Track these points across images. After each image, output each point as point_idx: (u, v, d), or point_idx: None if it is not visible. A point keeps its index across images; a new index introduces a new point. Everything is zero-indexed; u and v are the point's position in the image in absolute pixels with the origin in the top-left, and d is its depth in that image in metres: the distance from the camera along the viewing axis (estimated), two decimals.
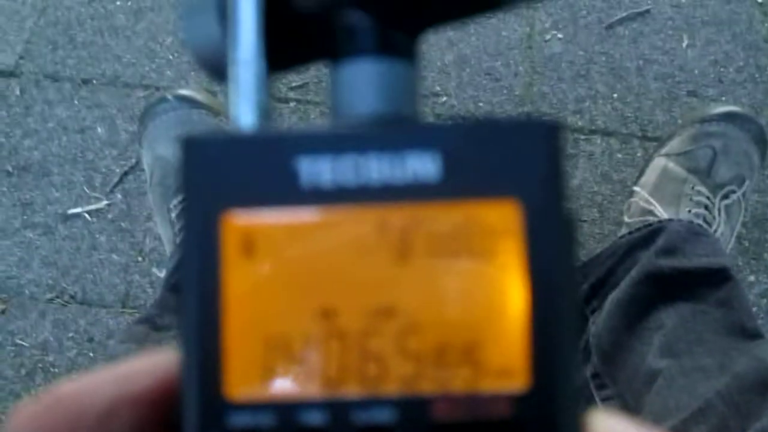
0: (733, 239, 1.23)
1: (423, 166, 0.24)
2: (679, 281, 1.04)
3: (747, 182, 1.22)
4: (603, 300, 1.10)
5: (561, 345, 0.23)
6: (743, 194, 1.21)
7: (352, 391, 0.23)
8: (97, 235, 1.37)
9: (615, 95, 1.42)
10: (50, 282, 1.35)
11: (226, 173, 0.24)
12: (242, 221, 0.24)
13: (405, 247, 0.24)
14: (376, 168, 0.24)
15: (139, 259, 1.36)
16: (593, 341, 1.08)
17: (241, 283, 0.24)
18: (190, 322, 0.24)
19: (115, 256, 1.36)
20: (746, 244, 1.31)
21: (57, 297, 1.33)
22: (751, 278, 1.29)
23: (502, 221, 0.24)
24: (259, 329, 0.24)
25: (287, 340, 0.24)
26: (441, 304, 0.24)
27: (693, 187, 1.18)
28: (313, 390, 0.23)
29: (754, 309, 1.24)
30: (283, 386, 0.23)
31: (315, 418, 0.23)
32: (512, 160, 0.24)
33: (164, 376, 0.24)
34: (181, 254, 0.24)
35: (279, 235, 0.24)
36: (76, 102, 1.47)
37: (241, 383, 0.23)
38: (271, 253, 0.24)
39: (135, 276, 1.35)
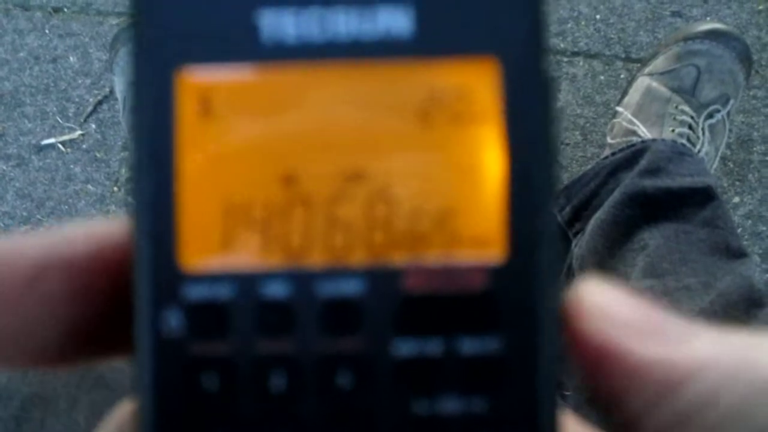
0: (718, 159, 1.22)
1: (395, 20, 0.22)
2: (663, 201, 1.03)
3: (731, 101, 1.21)
4: (586, 222, 1.09)
5: (539, 214, 0.22)
6: (728, 114, 1.20)
7: (317, 262, 0.22)
8: (72, 166, 1.35)
9: (598, 16, 1.40)
10: (25, 214, 1.33)
11: (181, 26, 0.22)
12: (199, 79, 0.22)
13: (375, 109, 0.22)
14: (344, 22, 0.22)
15: (115, 189, 1.34)
16: (576, 263, 1.07)
17: (198, 147, 0.22)
18: (141, 189, 0.22)
19: (90, 187, 1.34)
20: (731, 165, 1.30)
21: (32, 229, 1.31)
22: (736, 199, 1.28)
23: (478, 80, 0.22)
24: (217, 196, 0.22)
25: (247, 208, 0.22)
26: (413, 169, 0.22)
27: (677, 107, 1.17)
28: (275, 261, 0.22)
29: (739, 230, 1.24)
30: (242, 257, 0.22)
31: (277, 290, 0.22)
32: (490, 14, 0.22)
33: (102, 244, 0.22)
34: (131, 116, 0.22)
35: (238, 94, 0.22)
36: (47, 31, 1.44)
37: (197, 253, 0.22)
38: (229, 113, 0.22)
39: (111, 206, 1.33)
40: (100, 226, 0.23)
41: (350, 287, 0.22)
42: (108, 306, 0.23)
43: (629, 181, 1.06)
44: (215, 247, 0.22)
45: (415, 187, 0.22)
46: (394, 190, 0.22)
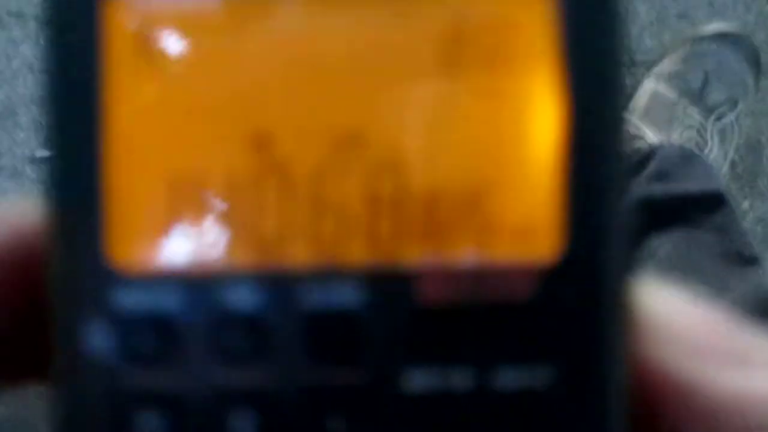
0: (727, 164, 1.20)
1: None
2: (672, 207, 1.01)
3: (740, 105, 1.19)
4: None
5: (608, 194, 0.16)
6: (736, 117, 1.19)
7: (299, 260, 0.16)
8: None
9: None
10: None
11: None
12: (134, 11, 0.16)
13: (379, 46, 0.16)
14: None
15: None
16: None
17: (133, 101, 0.16)
18: (58, 160, 0.16)
19: None
20: (739, 170, 1.27)
21: None
22: (746, 205, 1.26)
23: (527, 11, 0.16)
24: (161, 167, 0.16)
25: (202, 183, 0.16)
26: (431, 131, 0.16)
27: (684, 111, 1.15)
28: (241, 258, 0.16)
29: (750, 236, 1.21)
30: (196, 252, 0.16)
31: (243, 299, 0.16)
32: None
33: (18, 232, 0.17)
34: (46, 65, 0.16)
35: (189, 26, 0.16)
36: (41, 41, 1.42)
37: (132, 246, 0.16)
38: (177, 55, 0.16)
39: None
40: (14, 208, 0.17)
41: (345, 296, 0.16)
42: (24, 314, 0.17)
43: (637, 187, 1.04)
44: (158, 238, 0.16)
45: (435, 156, 0.16)
46: (405, 161, 0.16)
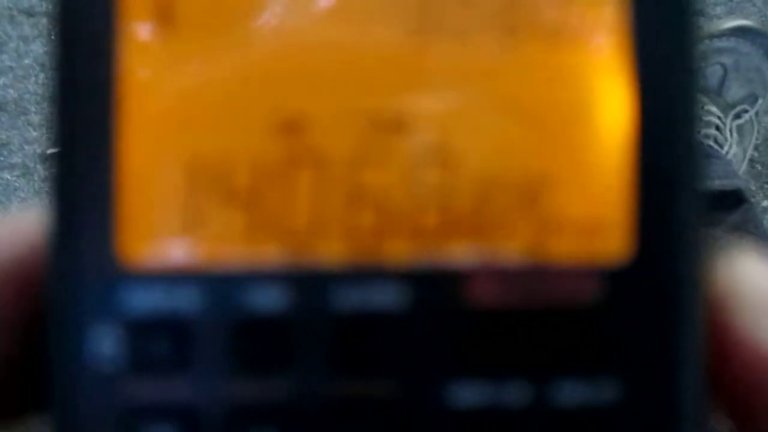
0: (746, 162, 1.19)
1: None
2: None
3: (760, 101, 1.18)
4: None
5: (685, 186, 0.14)
6: (756, 114, 1.18)
7: (332, 256, 0.14)
8: None
9: None
10: None
11: None
12: None
13: (425, 19, 0.14)
14: None
15: None
16: None
17: (150, 80, 0.14)
18: (63, 144, 0.14)
19: None
20: (759, 167, 1.26)
21: None
22: (765, 203, 1.24)
23: None
24: (178, 152, 0.14)
25: (225, 171, 0.14)
26: (483, 113, 0.14)
27: (703, 107, 1.13)
28: (267, 254, 0.14)
29: None
30: (216, 246, 0.14)
31: (269, 300, 0.14)
32: None
33: (27, 245, 0.15)
34: (55, 35, 0.15)
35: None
36: (53, 37, 1.41)
37: (145, 240, 0.14)
38: (200, 24, 0.14)
39: None
40: (22, 219, 0.15)
41: (384, 298, 0.14)
42: (24, 335, 0.15)
43: None
44: (174, 232, 0.14)
45: (487, 142, 0.14)
46: (452, 147, 0.14)
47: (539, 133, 0.14)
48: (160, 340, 0.14)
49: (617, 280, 0.14)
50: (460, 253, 0.14)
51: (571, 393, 0.14)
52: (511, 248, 0.14)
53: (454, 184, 0.14)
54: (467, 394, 0.14)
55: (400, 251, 0.14)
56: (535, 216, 0.14)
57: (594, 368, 0.14)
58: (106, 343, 0.14)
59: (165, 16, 0.14)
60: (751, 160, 1.23)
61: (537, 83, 0.14)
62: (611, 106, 0.14)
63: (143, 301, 0.14)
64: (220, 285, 0.14)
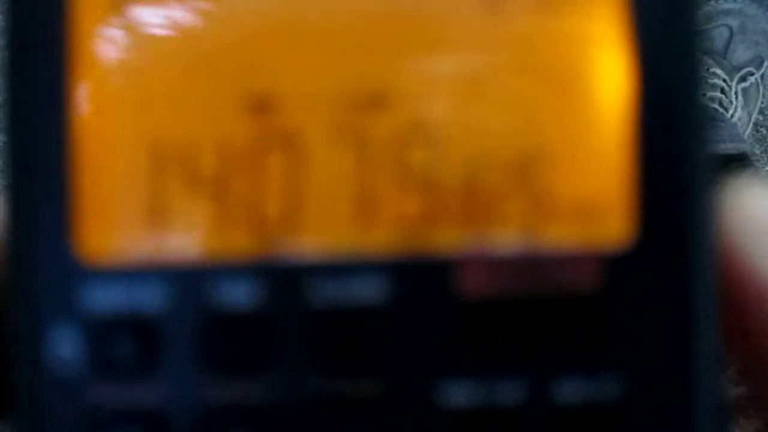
0: (751, 125, 1.18)
1: None
2: None
3: (766, 64, 1.18)
4: None
5: (692, 161, 0.13)
6: (761, 77, 1.16)
7: (308, 247, 0.13)
8: None
9: None
10: None
11: None
12: None
13: None
14: None
15: None
16: None
17: (104, 59, 0.13)
18: (15, 133, 0.13)
19: None
20: (763, 131, 1.24)
21: None
22: None
23: None
24: (138, 136, 0.13)
25: (190, 155, 0.13)
26: (470, 86, 0.13)
27: (708, 69, 1.13)
28: (238, 245, 0.13)
29: None
30: (182, 238, 0.13)
31: (242, 294, 0.13)
32: None
33: None
34: (5, 22, 0.13)
35: None
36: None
37: (104, 234, 0.13)
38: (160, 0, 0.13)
39: None
40: None
41: (365, 290, 0.13)
42: None
43: None
44: (136, 223, 0.13)
45: (475, 118, 0.13)
46: (438, 124, 0.13)
47: (531, 107, 0.13)
48: (125, 341, 0.13)
49: (620, 267, 0.13)
50: (448, 240, 0.13)
51: (571, 389, 0.13)
52: (504, 233, 0.13)
53: (440, 164, 0.13)
54: (461, 392, 0.13)
55: (383, 240, 0.13)
56: (529, 198, 0.13)
57: (595, 363, 0.13)
58: (66, 345, 0.13)
59: None
60: (756, 124, 1.22)
61: (526, 52, 0.13)
62: (609, 76, 0.13)
63: (105, 299, 0.13)
64: (188, 280, 0.13)
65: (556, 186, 0.13)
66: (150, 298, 0.13)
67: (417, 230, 0.13)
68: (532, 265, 0.13)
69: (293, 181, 0.13)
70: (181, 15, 0.13)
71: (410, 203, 0.13)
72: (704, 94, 0.14)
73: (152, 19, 0.13)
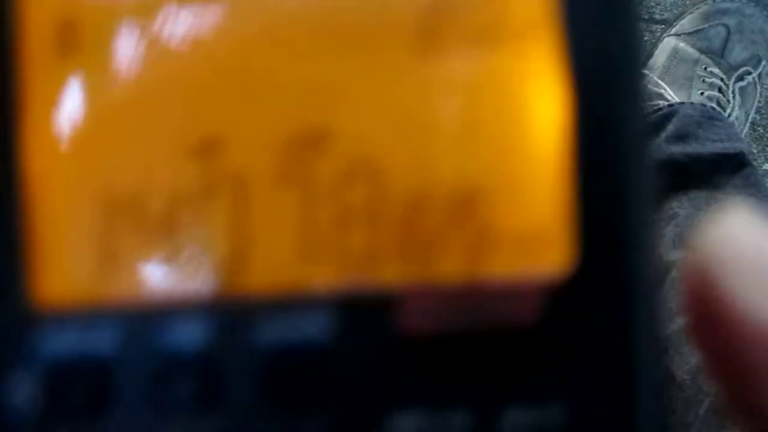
0: (748, 125, 1.18)
1: None
2: (693, 168, 0.99)
3: (763, 63, 1.17)
4: None
5: (630, 190, 0.13)
6: (759, 76, 1.16)
7: (255, 287, 0.13)
8: None
9: None
10: None
11: None
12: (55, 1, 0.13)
13: (345, 25, 0.13)
14: None
15: None
16: None
17: (54, 106, 0.13)
18: None
19: None
20: (761, 130, 1.25)
21: None
22: (767, 166, 1.23)
23: None
24: (88, 183, 0.13)
25: (139, 200, 0.13)
26: (411, 124, 0.13)
27: (705, 69, 1.13)
28: (187, 288, 0.13)
29: None
30: (133, 283, 0.13)
31: (192, 337, 0.13)
32: None
33: None
34: None
35: (120, 14, 0.13)
36: None
37: (56, 279, 0.13)
38: (106, 45, 0.13)
39: None
40: None
41: (311, 329, 0.13)
42: None
43: (657, 148, 1.02)
44: (87, 268, 0.13)
45: (415, 155, 0.13)
46: (380, 160, 0.13)
47: (470, 141, 0.13)
48: (78, 387, 0.13)
49: (561, 295, 0.13)
50: (390, 276, 0.13)
51: (515, 422, 0.13)
52: (446, 268, 0.13)
53: (381, 201, 0.13)
54: (406, 427, 0.13)
55: (326, 278, 0.13)
56: (469, 232, 0.13)
57: (539, 394, 0.13)
58: (19, 393, 0.13)
59: (68, 41, 0.13)
60: (753, 123, 1.22)
61: (465, 90, 0.13)
62: (545, 109, 0.13)
63: (57, 344, 0.13)
64: (140, 323, 0.13)
65: (497, 220, 0.13)
66: (102, 343, 0.13)
67: (361, 267, 0.13)
68: (474, 299, 0.13)
69: (239, 222, 0.13)
70: (126, 61, 0.13)
71: (353, 240, 0.13)
72: (644, 119, 0.14)
73: (98, 66, 0.13)
